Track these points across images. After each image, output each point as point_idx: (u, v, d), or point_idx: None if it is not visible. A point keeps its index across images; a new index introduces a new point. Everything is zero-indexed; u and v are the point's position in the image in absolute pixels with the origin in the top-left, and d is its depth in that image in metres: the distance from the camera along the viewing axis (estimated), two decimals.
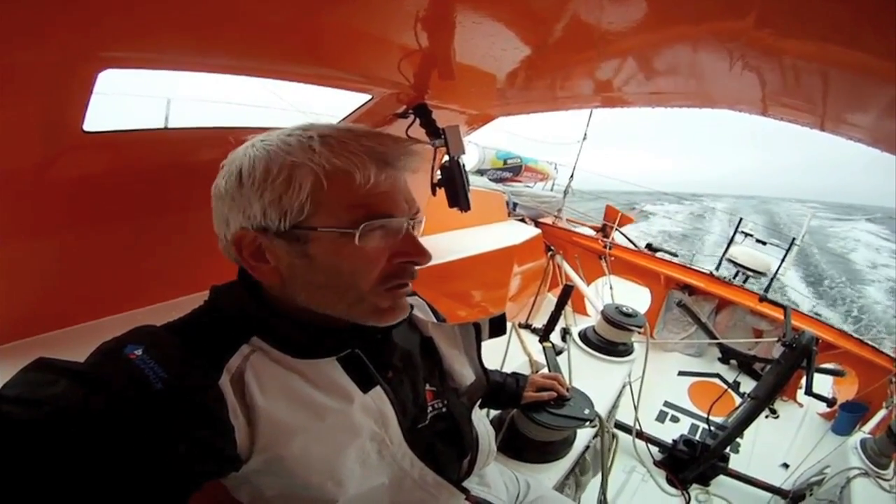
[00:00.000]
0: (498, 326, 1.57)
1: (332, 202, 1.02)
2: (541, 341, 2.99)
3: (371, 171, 1.02)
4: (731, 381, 5.46)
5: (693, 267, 6.34)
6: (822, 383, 4.95)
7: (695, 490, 3.80)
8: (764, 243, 8.03)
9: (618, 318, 3.05)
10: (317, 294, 1.10)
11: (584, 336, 3.23)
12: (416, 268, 1.17)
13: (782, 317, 3.90)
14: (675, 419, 4.88)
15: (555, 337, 3.11)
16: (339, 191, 1.02)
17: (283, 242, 1.05)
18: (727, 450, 3.82)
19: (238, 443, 0.98)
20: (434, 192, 2.46)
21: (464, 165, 2.44)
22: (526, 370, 2.86)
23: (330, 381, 1.13)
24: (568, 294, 3.11)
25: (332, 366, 1.15)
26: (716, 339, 4.67)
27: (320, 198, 1.02)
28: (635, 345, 3.22)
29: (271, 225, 1.04)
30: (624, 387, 3.06)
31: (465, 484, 1.48)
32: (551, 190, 9.90)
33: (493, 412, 2.45)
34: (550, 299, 5.82)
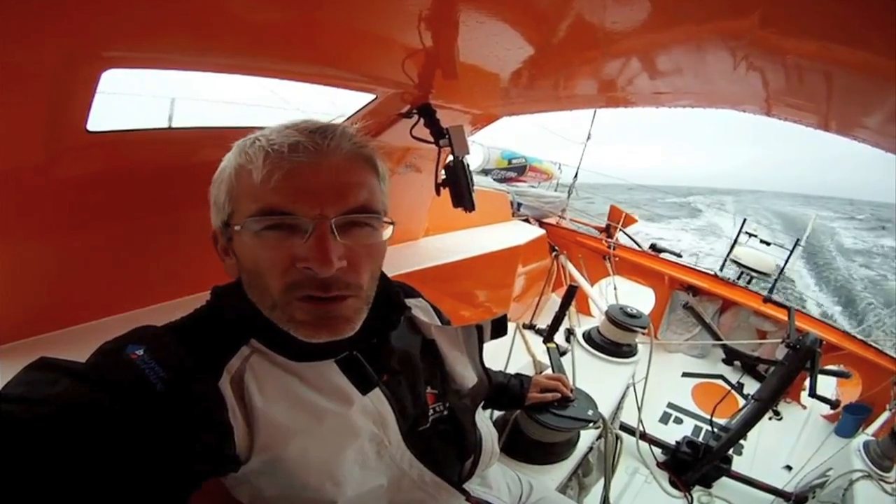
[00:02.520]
0: (499, 328, 1.55)
1: (240, 199, 1.03)
2: (545, 342, 2.98)
3: (259, 163, 0.99)
4: (734, 382, 5.45)
5: (697, 268, 6.32)
6: (826, 385, 4.94)
7: (697, 492, 3.80)
8: (768, 244, 8.03)
9: (622, 319, 3.05)
10: (251, 293, 1.10)
11: (587, 337, 3.22)
12: (328, 275, 0.99)
13: (786, 318, 3.89)
14: (678, 420, 4.88)
15: (559, 338, 3.10)
16: (243, 187, 1.02)
17: (224, 239, 1.10)
18: (730, 451, 3.82)
19: (237, 443, 0.99)
20: (438, 192, 2.46)
21: (468, 165, 2.44)
22: (529, 371, 2.86)
23: (329, 383, 1.13)
24: (572, 295, 3.10)
25: (331, 368, 1.15)
26: (720, 340, 4.67)
27: (233, 195, 1.04)
28: (639, 346, 3.22)
29: (217, 224, 1.09)
30: (628, 388, 3.06)
31: (467, 485, 1.47)
32: (555, 190, 9.89)
33: (497, 413, 2.45)
34: (554, 300, 5.84)
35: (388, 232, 1.13)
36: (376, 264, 1.13)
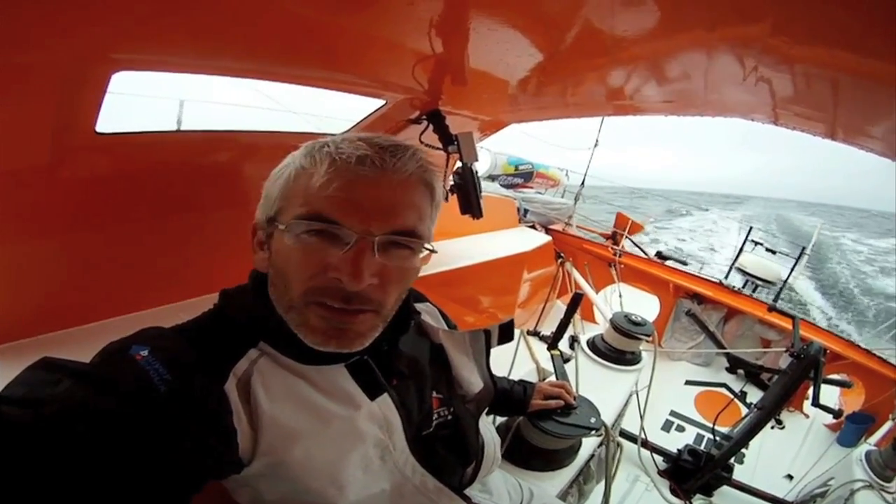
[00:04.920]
0: (506, 333, 1.55)
1: (293, 199, 1.03)
2: (549, 349, 2.99)
3: (323, 169, 0.99)
4: (737, 391, 5.43)
5: (702, 276, 6.31)
6: (829, 394, 4.92)
7: (698, 500, 3.78)
8: (773, 252, 8.03)
9: (626, 327, 3.05)
10: (273, 291, 1.10)
11: (592, 344, 3.23)
12: (356, 290, 0.98)
13: (791, 327, 3.88)
14: (680, 428, 4.87)
15: (563, 345, 3.10)
16: (299, 188, 1.02)
17: (264, 234, 1.10)
18: (732, 460, 3.81)
19: (240, 447, 0.99)
20: (446, 199, 2.46)
21: (476, 172, 2.45)
22: (533, 378, 2.86)
23: (337, 387, 1.13)
24: (577, 302, 3.10)
25: (340, 372, 1.15)
26: (723, 348, 4.66)
27: (287, 194, 1.04)
28: (643, 353, 3.22)
29: (261, 217, 1.10)
30: (631, 395, 3.06)
31: (468, 491, 1.47)
32: (562, 196, 9.87)
33: (499, 419, 2.45)
34: (559, 306, 5.82)
35: (423, 255, 1.11)
36: (405, 286, 1.12)
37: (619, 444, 2.73)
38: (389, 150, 1.02)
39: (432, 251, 1.11)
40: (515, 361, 2.93)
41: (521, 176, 9.79)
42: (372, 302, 1.03)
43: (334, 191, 0.97)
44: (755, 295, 6.28)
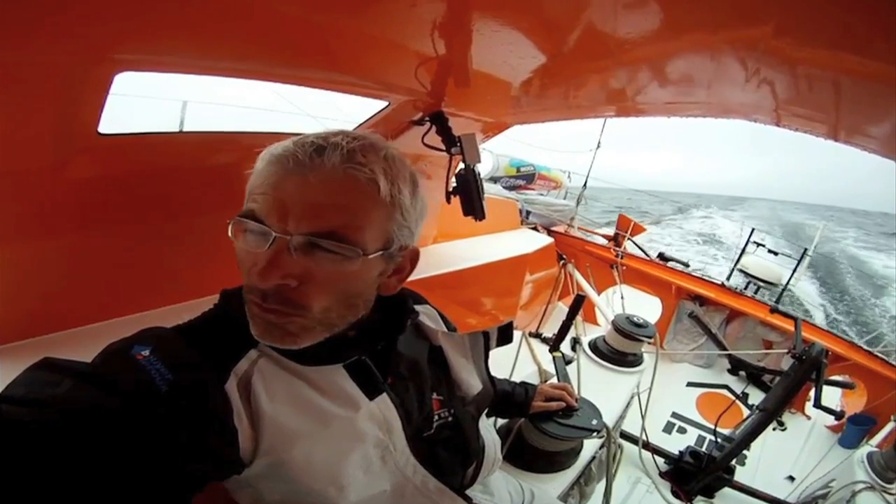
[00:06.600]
0: (505, 335, 1.56)
1: (246, 199, 1.03)
2: (550, 351, 2.98)
3: (259, 168, 1.01)
4: (739, 392, 5.42)
5: (704, 277, 6.30)
6: (831, 395, 4.92)
7: (699, 502, 3.78)
8: (776, 254, 8.02)
9: (628, 329, 3.04)
10: None
11: (593, 346, 3.22)
12: (265, 287, 0.98)
13: (793, 328, 3.88)
14: (682, 430, 4.86)
15: (565, 346, 3.10)
16: (248, 188, 1.04)
17: None
18: (733, 462, 3.81)
19: (241, 446, 0.99)
20: (449, 200, 2.47)
21: (479, 174, 2.45)
22: (535, 379, 2.85)
23: (336, 387, 1.13)
24: (579, 304, 3.10)
25: (339, 373, 1.15)
26: (725, 350, 4.65)
27: (247, 195, 1.04)
28: (644, 355, 3.21)
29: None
30: (632, 397, 3.06)
31: (469, 492, 1.47)
32: (564, 198, 9.86)
33: (501, 421, 2.45)
34: (561, 308, 5.82)
35: (372, 261, 1.05)
36: (340, 292, 1.06)
37: (619, 446, 2.73)
38: (316, 146, 0.98)
39: (361, 255, 1.01)
40: (517, 363, 2.92)
41: (523, 178, 9.81)
42: (290, 303, 1.00)
43: (263, 188, 0.98)
44: (757, 296, 6.27)
